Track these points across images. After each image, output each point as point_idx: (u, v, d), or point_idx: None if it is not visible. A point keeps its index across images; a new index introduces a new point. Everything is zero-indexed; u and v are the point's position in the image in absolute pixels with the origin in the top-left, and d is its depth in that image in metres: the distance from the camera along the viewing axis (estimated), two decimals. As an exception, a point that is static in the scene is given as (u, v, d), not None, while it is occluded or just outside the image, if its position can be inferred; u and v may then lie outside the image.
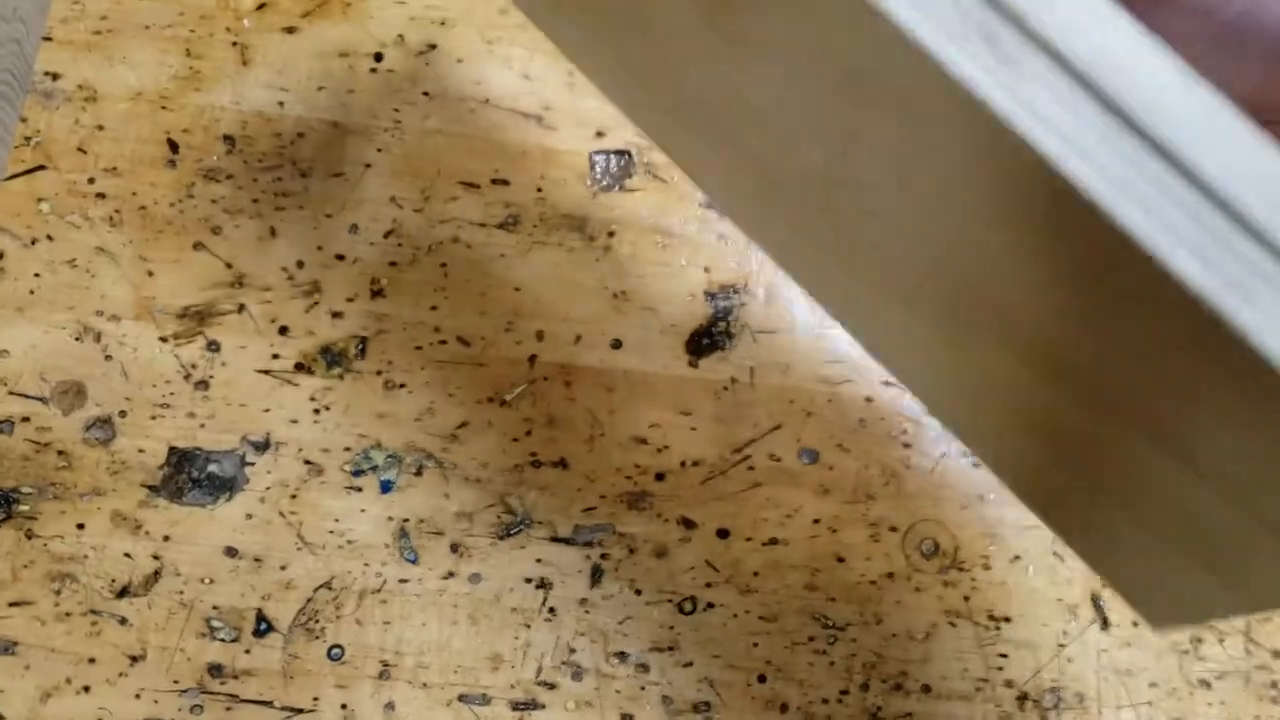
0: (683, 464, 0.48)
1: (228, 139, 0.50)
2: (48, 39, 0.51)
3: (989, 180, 0.24)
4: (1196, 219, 0.21)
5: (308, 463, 0.47)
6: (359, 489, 0.47)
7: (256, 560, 0.46)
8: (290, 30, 0.52)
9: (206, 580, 0.45)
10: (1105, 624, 0.47)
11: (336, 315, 0.48)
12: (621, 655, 0.46)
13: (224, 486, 0.46)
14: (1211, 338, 0.21)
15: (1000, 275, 0.27)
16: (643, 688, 0.46)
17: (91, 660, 0.45)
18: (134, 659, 0.45)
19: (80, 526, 0.46)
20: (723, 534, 0.47)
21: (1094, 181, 0.21)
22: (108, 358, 0.48)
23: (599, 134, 0.51)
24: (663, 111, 0.36)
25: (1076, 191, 0.21)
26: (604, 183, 0.51)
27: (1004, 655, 0.46)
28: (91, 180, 0.49)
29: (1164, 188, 0.21)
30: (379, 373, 0.48)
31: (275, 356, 0.48)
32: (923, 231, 0.28)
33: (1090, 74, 0.22)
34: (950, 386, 0.35)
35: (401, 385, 0.48)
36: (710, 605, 0.46)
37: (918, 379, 0.37)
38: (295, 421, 0.47)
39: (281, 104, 0.51)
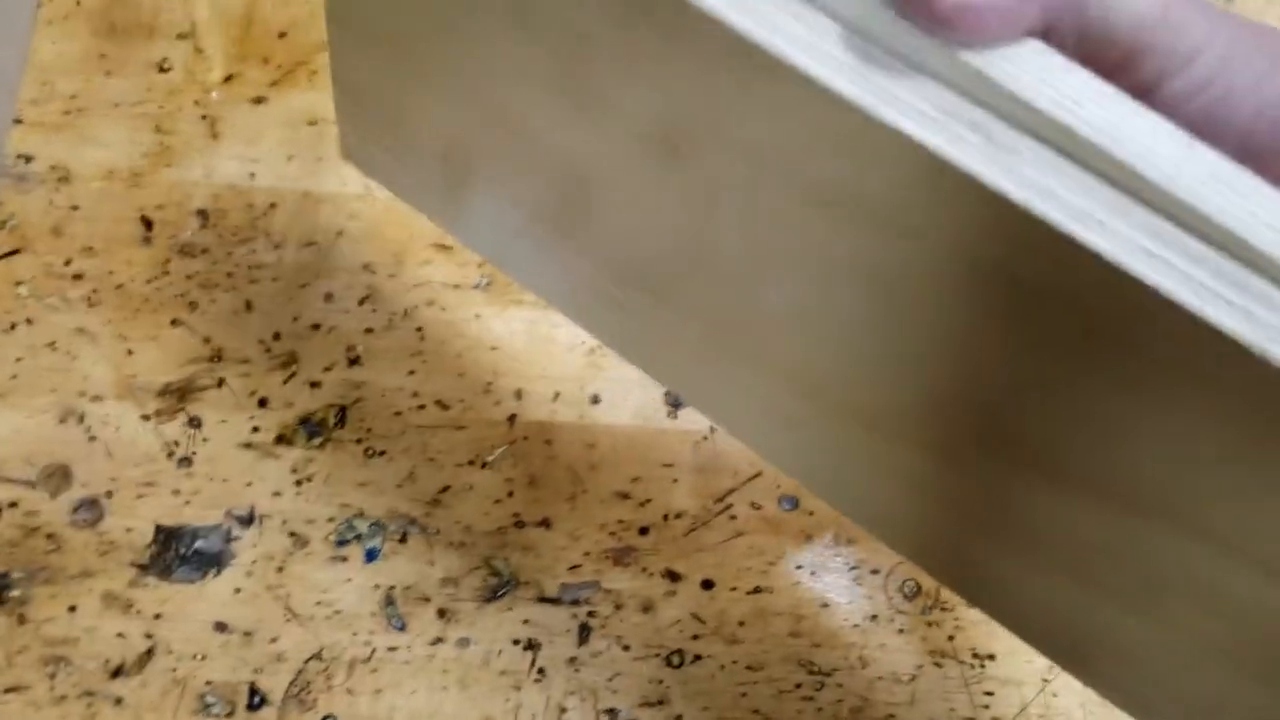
0: (665, 517, 0.48)
1: (201, 213, 0.51)
2: (18, 121, 0.52)
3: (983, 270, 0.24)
4: (1220, 274, 0.22)
5: (292, 535, 0.47)
6: (344, 558, 0.47)
7: (247, 634, 0.46)
8: (258, 101, 0.53)
9: (199, 656, 0.46)
10: (1090, 656, 0.48)
11: (314, 385, 0.49)
12: (612, 712, 0.46)
13: (211, 562, 0.47)
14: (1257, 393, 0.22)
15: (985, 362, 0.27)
16: (634, 742, 0.46)
17: (88, 742, 0.45)
18: (130, 738, 0.45)
19: (72, 609, 0.46)
20: (707, 585, 0.48)
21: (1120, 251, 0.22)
22: (92, 438, 0.48)
23: (568, 190, 0.52)
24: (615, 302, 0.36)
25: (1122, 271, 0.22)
26: (575, 238, 0.51)
27: (989, 693, 0.47)
28: (68, 261, 0.50)
29: (1186, 250, 0.22)
30: (359, 441, 0.48)
31: (256, 429, 0.48)
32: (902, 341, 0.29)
33: (1095, 144, 0.23)
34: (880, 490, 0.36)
35: (382, 452, 0.48)
36: (698, 657, 0.47)
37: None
38: (278, 494, 0.48)
39: (253, 175, 0.52)
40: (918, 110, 0.23)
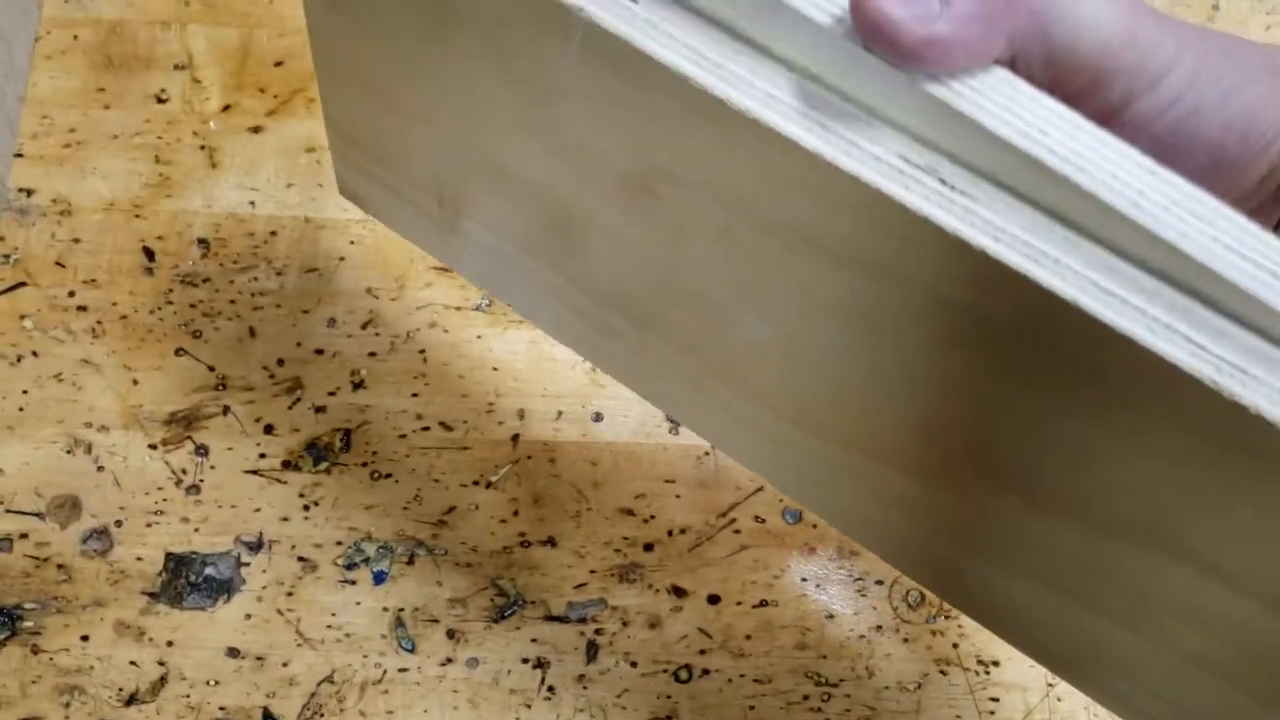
0: (670, 532, 0.49)
1: (202, 242, 0.51)
2: (19, 155, 0.52)
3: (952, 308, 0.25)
4: (1173, 308, 0.23)
5: (301, 559, 0.48)
6: (353, 582, 0.48)
7: (259, 659, 0.47)
8: (256, 130, 0.53)
9: (212, 682, 0.46)
10: (1094, 660, 0.48)
11: (319, 410, 0.49)
12: (621, 727, 0.47)
13: (222, 588, 0.47)
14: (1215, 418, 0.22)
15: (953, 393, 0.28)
16: (645, 757, 0.47)
17: (104, 770, 0.46)
18: (146, 766, 0.46)
19: (84, 638, 0.47)
20: (713, 599, 0.48)
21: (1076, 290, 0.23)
22: (100, 469, 0.49)
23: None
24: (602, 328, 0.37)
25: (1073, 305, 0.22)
26: (573, 258, 0.52)
27: (995, 699, 0.47)
28: (72, 293, 0.51)
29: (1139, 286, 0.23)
30: (364, 464, 0.49)
31: (262, 456, 0.49)
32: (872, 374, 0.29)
33: (1060, 173, 0.23)
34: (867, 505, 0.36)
35: (387, 475, 0.49)
36: (705, 672, 0.47)
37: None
38: (286, 519, 0.48)
39: (253, 203, 0.52)
40: (875, 158, 0.24)
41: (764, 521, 0.49)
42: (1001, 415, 0.27)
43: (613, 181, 0.29)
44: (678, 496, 0.49)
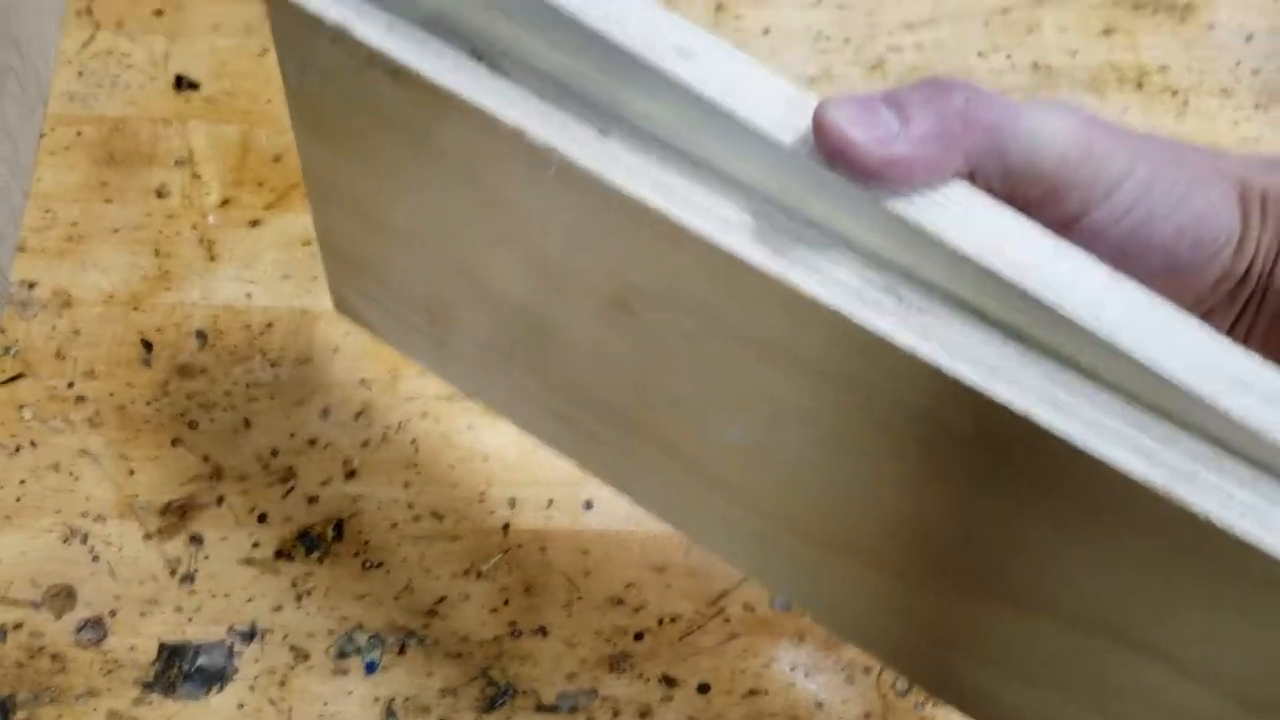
0: (660, 621, 0.49)
1: (199, 334, 0.52)
2: (21, 249, 0.53)
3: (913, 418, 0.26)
4: (1125, 418, 0.23)
5: (293, 649, 0.48)
6: (345, 671, 0.48)
7: (249, 750, 0.47)
8: (254, 224, 0.54)
9: (202, 774, 0.47)
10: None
11: (312, 500, 0.50)
12: (611, 819, 0.47)
13: (215, 678, 0.48)
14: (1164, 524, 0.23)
15: (916, 499, 0.28)
16: None
17: None
18: None
19: (76, 730, 0.47)
20: (703, 689, 0.48)
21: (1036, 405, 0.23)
22: (95, 558, 0.49)
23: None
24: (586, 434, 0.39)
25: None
26: (564, 347, 0.52)
27: (986, 790, 0.47)
28: (71, 384, 0.51)
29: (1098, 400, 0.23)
30: (356, 554, 0.49)
31: (256, 545, 0.49)
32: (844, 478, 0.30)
33: (1018, 285, 0.24)
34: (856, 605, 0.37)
35: (379, 564, 0.49)
36: (695, 761, 0.47)
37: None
38: (279, 609, 0.48)
39: (249, 295, 0.53)
40: (835, 280, 0.25)
41: (753, 609, 0.49)
42: (970, 519, 0.28)
43: (590, 298, 0.30)
44: (668, 585, 0.50)
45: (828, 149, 0.24)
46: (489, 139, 0.27)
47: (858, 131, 0.24)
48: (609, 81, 0.26)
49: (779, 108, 0.25)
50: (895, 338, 0.24)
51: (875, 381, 0.25)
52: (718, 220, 0.25)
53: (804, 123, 0.25)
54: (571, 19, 0.25)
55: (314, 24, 0.28)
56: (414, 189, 0.32)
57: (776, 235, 0.25)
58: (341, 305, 0.43)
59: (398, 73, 0.27)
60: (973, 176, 0.25)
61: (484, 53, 0.27)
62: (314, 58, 0.30)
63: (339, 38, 0.28)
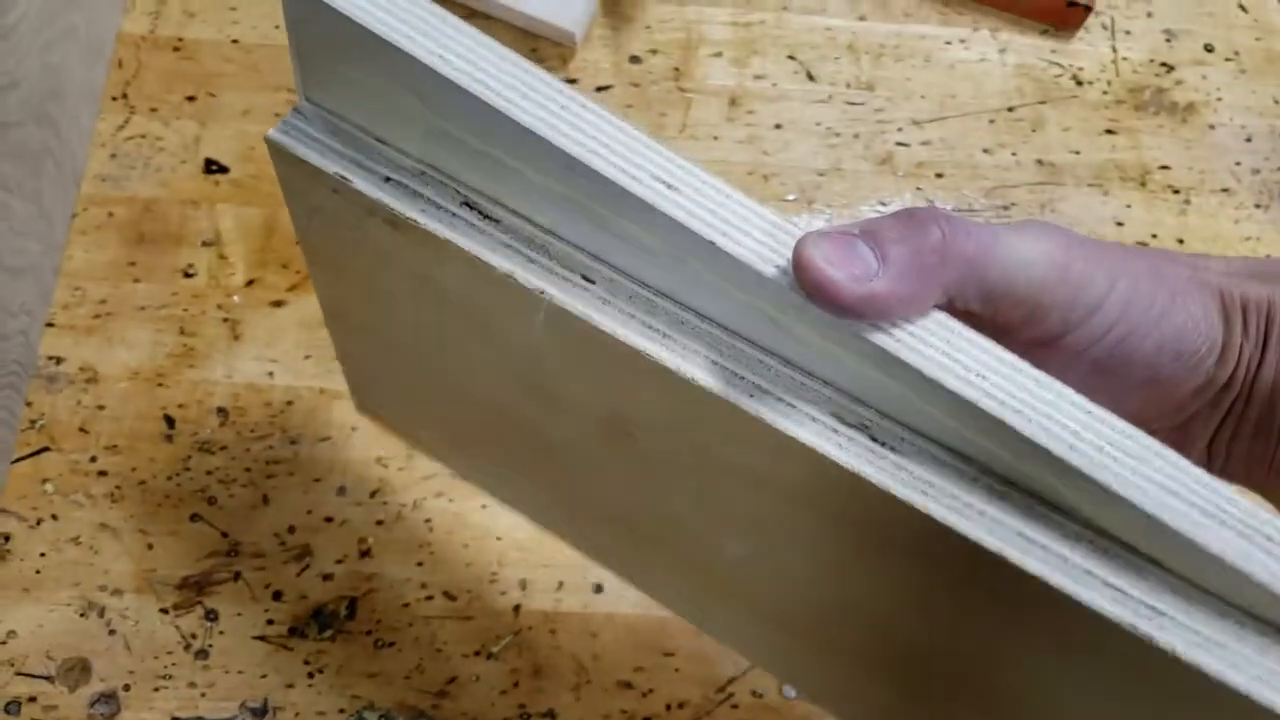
0: (668, 707, 0.50)
1: (221, 411, 0.53)
2: (50, 325, 0.55)
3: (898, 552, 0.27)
4: (1092, 555, 0.24)
5: (304, 727, 0.48)
6: (354, 750, 0.48)
7: (257, 828, 0.47)
8: (277, 304, 0.56)
9: None
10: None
11: (327, 578, 0.51)
12: None
13: (224, 755, 0.48)
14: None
15: (896, 615, 0.30)
16: None
17: None
18: None
19: (86, 804, 0.47)
20: (709, 774, 0.49)
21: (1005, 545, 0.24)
22: (111, 632, 0.50)
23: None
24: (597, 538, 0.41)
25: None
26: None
27: None
28: (93, 459, 0.52)
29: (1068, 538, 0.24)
30: (368, 632, 0.50)
31: (270, 622, 0.50)
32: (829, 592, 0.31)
33: (998, 417, 0.24)
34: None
35: (391, 644, 0.50)
36: None
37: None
38: (291, 686, 0.49)
39: (271, 374, 0.54)
40: (811, 418, 0.26)
41: (762, 696, 0.50)
42: (955, 638, 0.29)
43: (592, 424, 0.32)
44: (676, 670, 0.50)
45: (807, 285, 0.25)
46: (484, 281, 0.28)
47: (835, 270, 0.24)
48: (596, 210, 0.27)
49: (760, 238, 0.25)
50: (869, 475, 0.25)
51: (853, 512, 0.26)
52: (696, 359, 0.26)
53: (785, 254, 0.25)
54: (555, 149, 0.26)
55: (317, 176, 0.29)
56: (418, 321, 0.34)
57: (753, 375, 0.26)
58: (363, 409, 0.45)
59: (396, 221, 0.29)
60: (951, 303, 0.26)
61: (475, 203, 0.29)
62: (319, 206, 0.31)
63: (340, 188, 0.29)
